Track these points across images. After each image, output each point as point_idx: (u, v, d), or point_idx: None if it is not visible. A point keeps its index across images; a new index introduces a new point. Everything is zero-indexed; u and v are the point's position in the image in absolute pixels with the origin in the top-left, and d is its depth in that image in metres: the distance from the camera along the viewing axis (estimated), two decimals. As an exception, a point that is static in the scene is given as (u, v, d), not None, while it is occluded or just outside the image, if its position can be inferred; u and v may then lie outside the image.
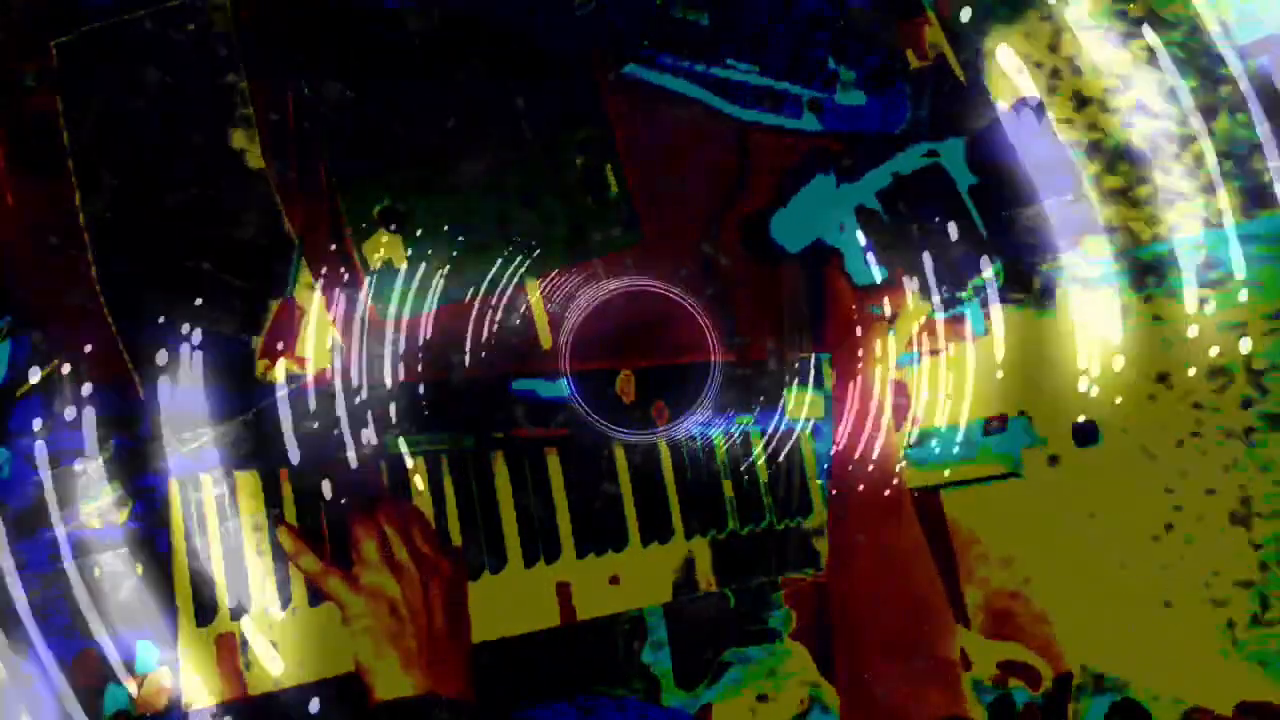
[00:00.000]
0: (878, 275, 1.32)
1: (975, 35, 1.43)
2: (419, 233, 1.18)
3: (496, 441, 1.25)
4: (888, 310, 1.31)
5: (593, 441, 1.30)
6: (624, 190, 1.28)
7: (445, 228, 1.19)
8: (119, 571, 1.06)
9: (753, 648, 1.57)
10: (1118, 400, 1.43)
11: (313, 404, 1.13)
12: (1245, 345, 1.35)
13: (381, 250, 1.17)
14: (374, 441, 1.17)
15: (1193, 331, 1.40)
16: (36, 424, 1.04)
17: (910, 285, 1.30)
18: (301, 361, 1.13)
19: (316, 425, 1.13)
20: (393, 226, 1.17)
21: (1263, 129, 1.27)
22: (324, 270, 1.14)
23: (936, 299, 1.31)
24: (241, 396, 1.10)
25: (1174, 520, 1.44)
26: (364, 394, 1.15)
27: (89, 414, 1.05)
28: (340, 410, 1.14)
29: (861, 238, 1.32)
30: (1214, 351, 1.37)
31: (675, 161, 1.33)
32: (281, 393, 1.11)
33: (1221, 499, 1.41)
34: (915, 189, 1.28)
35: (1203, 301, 1.38)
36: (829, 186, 1.34)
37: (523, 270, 1.23)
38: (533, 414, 1.25)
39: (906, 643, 1.12)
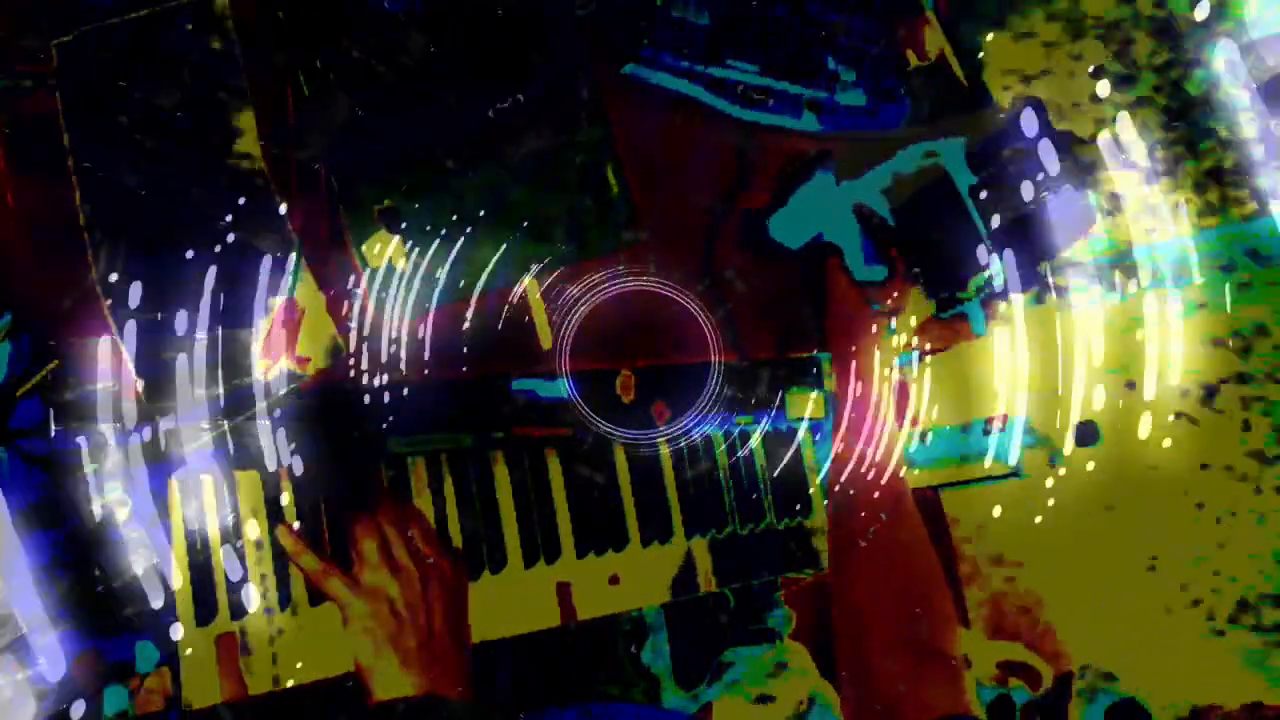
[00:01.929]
0: (877, 272, 1.32)
1: (976, 34, 1.43)
2: (418, 233, 1.18)
3: (496, 441, 1.25)
4: (888, 307, 1.31)
5: (593, 441, 1.30)
6: (624, 190, 1.28)
7: (445, 228, 1.19)
8: (119, 571, 1.06)
9: (753, 648, 1.57)
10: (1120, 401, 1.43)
11: (312, 404, 1.13)
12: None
13: (381, 250, 1.17)
14: (374, 441, 1.17)
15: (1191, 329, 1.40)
16: (36, 424, 1.04)
17: (910, 282, 1.30)
18: (302, 361, 1.13)
19: (317, 425, 1.13)
20: (392, 227, 1.17)
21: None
22: (324, 270, 1.14)
23: (936, 298, 1.31)
24: (242, 396, 1.10)
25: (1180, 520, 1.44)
26: (364, 394, 1.15)
27: (89, 414, 1.05)
28: (340, 410, 1.14)
29: (861, 235, 1.32)
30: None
31: (675, 161, 1.33)
32: (282, 393, 1.11)
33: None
34: (916, 189, 1.28)
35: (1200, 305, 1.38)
36: (828, 184, 1.33)
37: (523, 270, 1.23)
38: (533, 414, 1.25)
39: (909, 639, 1.12)
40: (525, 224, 1.23)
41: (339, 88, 1.09)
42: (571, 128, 1.22)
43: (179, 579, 1.10)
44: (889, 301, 1.32)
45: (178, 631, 1.08)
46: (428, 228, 1.19)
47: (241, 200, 1.11)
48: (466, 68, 1.17)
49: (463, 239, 1.20)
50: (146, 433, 1.07)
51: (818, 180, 1.33)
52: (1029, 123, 1.25)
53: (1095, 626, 1.52)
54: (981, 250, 1.25)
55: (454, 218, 1.20)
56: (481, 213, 1.21)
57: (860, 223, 1.31)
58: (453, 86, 1.16)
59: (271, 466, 1.14)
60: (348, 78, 1.15)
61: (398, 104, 1.17)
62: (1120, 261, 1.43)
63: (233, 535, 1.13)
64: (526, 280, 1.23)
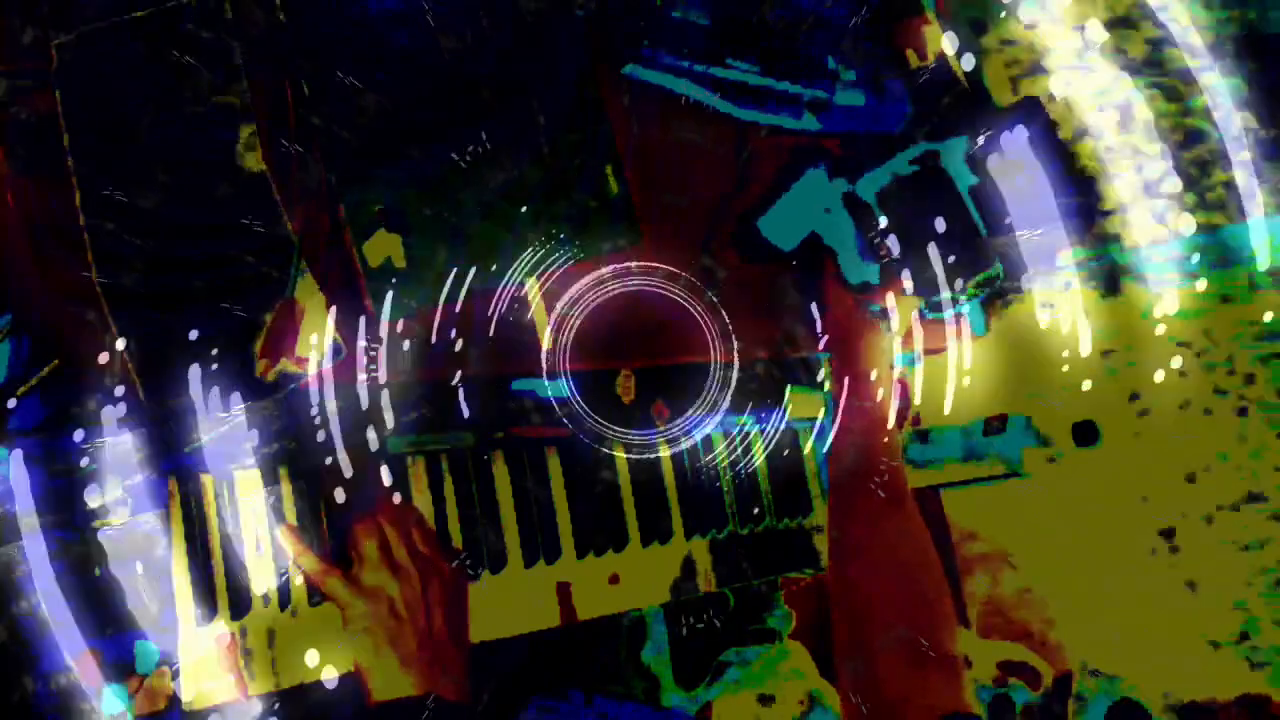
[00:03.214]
0: (872, 273, 1.32)
1: (976, 34, 1.43)
2: (418, 233, 1.18)
3: (496, 441, 1.25)
4: (884, 308, 1.31)
5: (593, 441, 1.30)
6: (624, 190, 1.28)
7: (444, 228, 1.19)
8: (119, 571, 1.06)
9: (753, 648, 1.57)
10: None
11: (312, 404, 1.13)
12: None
13: (381, 250, 1.17)
14: (374, 441, 1.16)
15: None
16: (36, 424, 1.04)
17: (905, 284, 1.30)
18: (301, 362, 1.13)
19: (316, 425, 1.13)
20: (392, 226, 1.17)
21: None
22: (323, 270, 1.14)
23: (936, 298, 1.30)
24: (241, 396, 1.10)
25: (1175, 520, 1.45)
26: (364, 393, 1.15)
27: (89, 413, 1.05)
28: (340, 410, 1.14)
29: (855, 236, 1.31)
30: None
31: (675, 161, 1.33)
32: (281, 393, 1.11)
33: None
34: (915, 189, 1.28)
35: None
36: (821, 181, 1.33)
37: (523, 270, 1.22)
38: (533, 414, 1.25)
39: (908, 637, 1.12)
40: (526, 224, 1.23)
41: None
42: (535, 157, 1.22)
43: (179, 579, 1.10)
44: (884, 302, 1.32)
45: (178, 631, 1.08)
46: (427, 227, 1.19)
47: (241, 200, 1.11)
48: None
49: (463, 238, 1.20)
50: (146, 432, 1.07)
51: (811, 178, 1.33)
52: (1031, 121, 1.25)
53: (1096, 625, 1.52)
54: (981, 250, 1.25)
55: (454, 218, 1.20)
56: (483, 213, 1.21)
57: (854, 220, 1.31)
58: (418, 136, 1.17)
59: (271, 466, 1.14)
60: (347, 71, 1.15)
61: (399, 100, 1.17)
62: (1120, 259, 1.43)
63: (232, 535, 1.13)
64: (527, 280, 1.23)
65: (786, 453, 1.43)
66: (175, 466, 1.09)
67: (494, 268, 1.21)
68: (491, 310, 1.21)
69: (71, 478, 1.04)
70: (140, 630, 1.05)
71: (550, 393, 1.25)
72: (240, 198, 1.11)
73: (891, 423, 1.28)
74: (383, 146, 1.18)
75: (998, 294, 1.32)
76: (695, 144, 1.33)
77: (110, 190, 1.06)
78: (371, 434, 1.16)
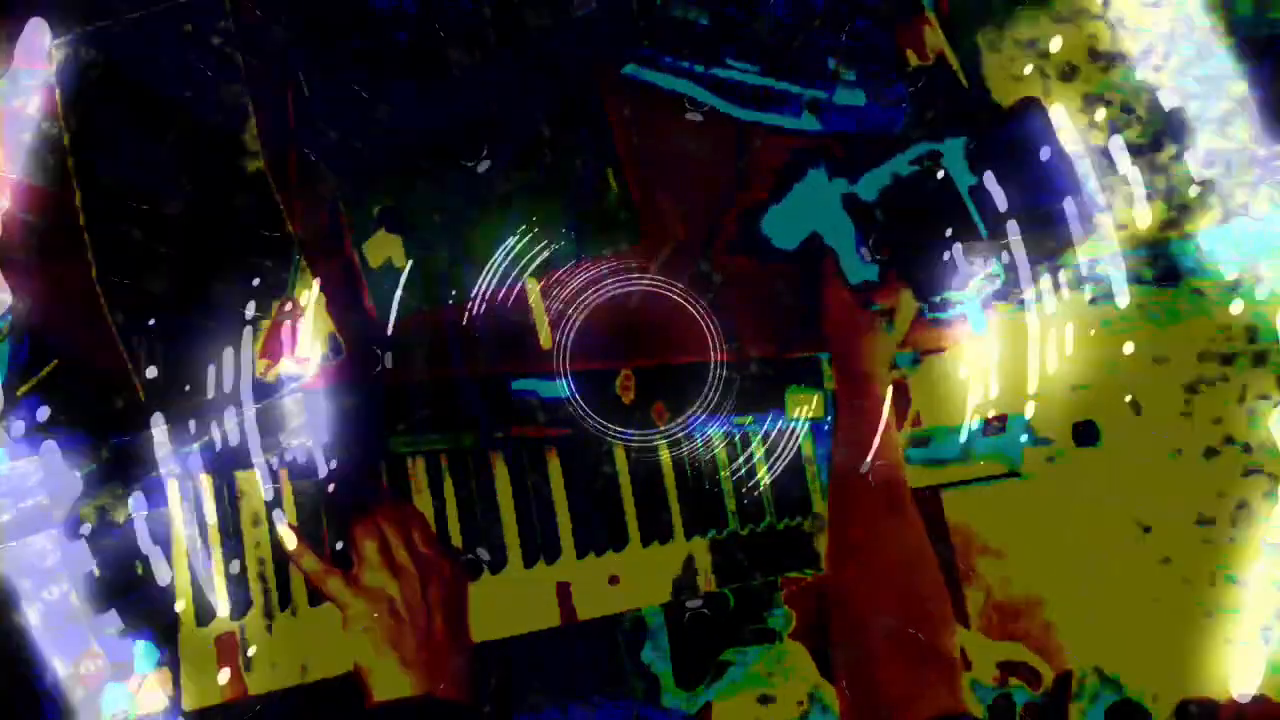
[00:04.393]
0: (873, 275, 1.32)
1: (975, 31, 1.43)
2: (418, 232, 1.18)
3: (496, 441, 1.25)
4: (884, 308, 1.32)
5: (593, 441, 1.30)
6: (624, 191, 1.28)
7: (445, 227, 1.19)
8: (119, 571, 1.06)
9: (753, 648, 1.57)
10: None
11: (312, 404, 1.13)
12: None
13: (381, 250, 1.17)
14: (374, 442, 1.17)
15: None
16: (36, 424, 1.04)
17: (904, 282, 1.30)
18: (302, 361, 1.13)
19: (316, 425, 1.13)
20: (392, 226, 1.17)
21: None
22: (324, 270, 1.14)
23: (936, 298, 1.31)
24: (241, 396, 1.10)
25: (1171, 516, 1.45)
26: (364, 394, 1.15)
27: (89, 413, 1.05)
28: (340, 410, 1.14)
29: (856, 235, 1.32)
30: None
31: (675, 162, 1.33)
32: (281, 393, 1.11)
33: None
34: (915, 189, 1.28)
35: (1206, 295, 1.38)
36: (822, 182, 1.33)
37: (523, 270, 1.23)
38: (533, 414, 1.25)
39: (907, 639, 1.12)
40: (525, 224, 1.23)
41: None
42: (536, 162, 1.22)
43: (179, 579, 1.10)
44: (884, 301, 1.32)
45: (178, 631, 1.08)
46: (428, 227, 1.19)
47: (241, 200, 1.11)
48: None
49: (464, 239, 1.20)
50: (146, 432, 1.07)
51: (811, 178, 1.33)
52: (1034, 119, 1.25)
53: (1095, 625, 1.52)
54: (981, 250, 1.25)
55: (454, 218, 1.20)
56: (483, 213, 1.21)
57: (854, 220, 1.31)
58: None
59: (271, 466, 1.14)
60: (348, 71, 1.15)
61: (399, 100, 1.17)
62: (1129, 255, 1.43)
63: (232, 535, 1.13)
64: (527, 281, 1.23)
65: (786, 453, 1.43)
66: (175, 466, 1.09)
67: (494, 268, 1.21)
68: (492, 311, 1.21)
69: (71, 478, 1.04)
70: (140, 630, 1.05)
71: (550, 393, 1.25)
72: (241, 198, 1.11)
73: (891, 423, 1.28)
74: (386, 148, 1.18)
75: (998, 294, 1.32)
76: (694, 145, 1.33)
77: (111, 190, 1.07)
78: (371, 434, 1.16)
